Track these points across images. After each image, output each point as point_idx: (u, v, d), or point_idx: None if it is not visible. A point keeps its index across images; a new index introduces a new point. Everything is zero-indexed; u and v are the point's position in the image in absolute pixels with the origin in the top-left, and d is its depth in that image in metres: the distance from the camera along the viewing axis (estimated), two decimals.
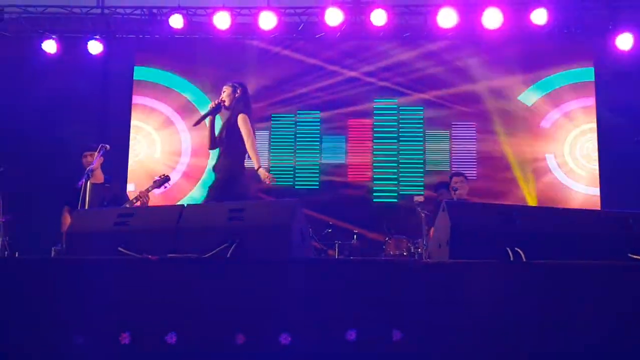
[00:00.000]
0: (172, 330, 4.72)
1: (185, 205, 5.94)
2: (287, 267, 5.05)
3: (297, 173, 13.27)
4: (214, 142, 8.41)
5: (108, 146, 8.87)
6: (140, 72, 13.60)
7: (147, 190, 8.66)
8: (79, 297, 4.93)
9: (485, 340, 4.78)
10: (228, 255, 5.17)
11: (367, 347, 4.69)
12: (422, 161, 13.19)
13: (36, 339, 4.83)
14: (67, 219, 8.86)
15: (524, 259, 5.13)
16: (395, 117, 13.33)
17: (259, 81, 13.34)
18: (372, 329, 4.74)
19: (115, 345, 4.76)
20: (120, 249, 5.40)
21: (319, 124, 13.40)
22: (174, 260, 5.17)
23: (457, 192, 10.28)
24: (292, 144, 13.40)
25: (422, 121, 13.30)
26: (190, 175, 13.25)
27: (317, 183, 13.21)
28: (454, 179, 10.54)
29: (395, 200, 13.00)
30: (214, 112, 8.43)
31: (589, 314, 4.81)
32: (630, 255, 5.31)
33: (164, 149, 13.42)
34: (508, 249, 5.18)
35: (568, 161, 12.96)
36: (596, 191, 12.77)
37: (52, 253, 9.01)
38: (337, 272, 5.13)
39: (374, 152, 13.28)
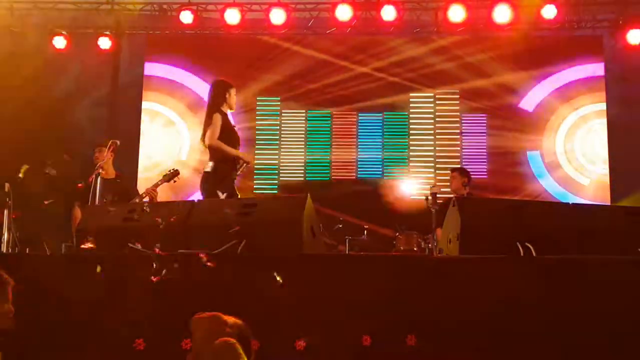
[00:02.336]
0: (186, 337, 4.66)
1: (196, 200, 5.94)
2: (299, 264, 5.04)
3: (308, 169, 13.27)
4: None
5: (118, 142, 8.86)
6: (151, 68, 13.60)
7: (156, 185, 8.64)
8: (89, 294, 4.94)
9: (495, 336, 4.78)
10: (238, 252, 5.17)
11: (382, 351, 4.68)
12: (432, 156, 13.17)
13: (46, 334, 4.83)
14: (78, 215, 8.88)
15: (534, 254, 5.13)
16: (406, 113, 13.32)
17: (269, 77, 13.35)
18: (387, 332, 4.72)
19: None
20: (130, 244, 5.42)
21: (329, 119, 13.38)
22: (184, 256, 5.18)
23: (466, 187, 10.31)
24: (303, 139, 13.39)
25: (432, 116, 13.29)
26: (201, 171, 13.22)
27: (328, 178, 13.21)
28: (453, 174, 10.59)
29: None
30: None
31: (599, 308, 4.81)
32: None
33: (175, 144, 13.42)
34: (518, 243, 5.19)
35: (578, 157, 12.93)
36: (606, 188, 12.73)
37: (63, 249, 9.03)
38: (350, 268, 5.13)
39: (385, 149, 13.26)
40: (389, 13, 12.16)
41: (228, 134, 7.96)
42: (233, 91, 8.26)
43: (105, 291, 4.93)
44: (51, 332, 4.93)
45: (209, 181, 7.79)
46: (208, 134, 7.80)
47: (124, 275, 5.06)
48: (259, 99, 13.45)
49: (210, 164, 7.85)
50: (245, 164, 8.03)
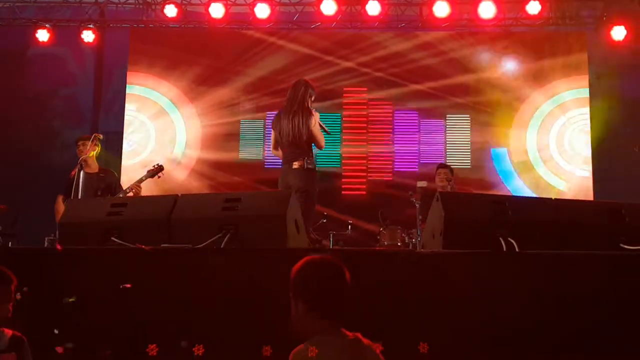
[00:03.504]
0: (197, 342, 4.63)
1: (180, 195, 5.92)
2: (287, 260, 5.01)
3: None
4: None
5: (101, 135, 8.85)
6: (135, 62, 13.52)
7: (140, 181, 8.64)
8: (71, 288, 4.90)
9: (478, 331, 4.79)
10: (222, 246, 5.16)
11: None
12: (416, 152, 13.17)
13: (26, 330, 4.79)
14: (61, 208, 8.84)
15: (517, 249, 5.14)
16: (390, 109, 13.33)
17: (254, 71, 13.32)
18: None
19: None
20: (113, 238, 5.40)
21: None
22: (168, 250, 5.16)
23: (450, 182, 10.30)
24: None
25: (416, 112, 13.29)
26: (185, 165, 13.21)
27: None
28: (440, 170, 10.56)
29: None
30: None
31: (581, 303, 4.82)
32: (621, 245, 5.33)
33: (158, 138, 13.36)
34: (501, 239, 5.20)
35: (562, 152, 12.96)
36: (589, 182, 12.76)
37: (46, 243, 9.00)
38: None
39: (369, 143, 13.25)
40: (373, 8, 12.18)
41: None
42: None
43: (110, 292, 4.88)
44: (59, 337, 4.86)
45: (314, 178, 8.18)
46: (320, 137, 8.19)
47: (125, 276, 5.01)
48: None
49: (310, 161, 8.10)
50: None
